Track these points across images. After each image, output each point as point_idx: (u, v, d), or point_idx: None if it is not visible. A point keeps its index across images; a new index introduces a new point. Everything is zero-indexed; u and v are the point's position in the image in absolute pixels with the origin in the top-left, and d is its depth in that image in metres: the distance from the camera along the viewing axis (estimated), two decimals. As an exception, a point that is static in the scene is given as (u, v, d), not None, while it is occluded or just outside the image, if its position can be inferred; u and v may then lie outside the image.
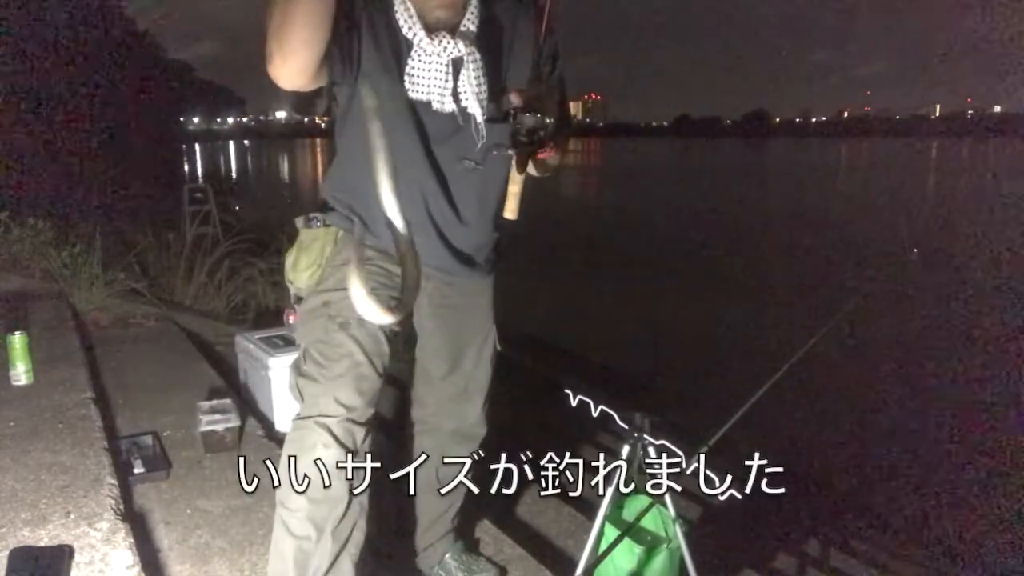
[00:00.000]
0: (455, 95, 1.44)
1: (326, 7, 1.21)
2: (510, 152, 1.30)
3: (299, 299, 1.57)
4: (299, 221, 1.59)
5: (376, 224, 1.49)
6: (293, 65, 1.26)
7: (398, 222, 1.05)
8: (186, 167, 34.15)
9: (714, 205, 21.16)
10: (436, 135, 1.47)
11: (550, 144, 1.31)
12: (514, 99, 1.28)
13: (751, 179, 36.26)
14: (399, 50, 1.43)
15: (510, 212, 1.45)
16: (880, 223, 15.55)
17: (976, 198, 23.01)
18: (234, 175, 39.37)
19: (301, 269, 1.54)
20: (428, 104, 1.44)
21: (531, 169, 1.43)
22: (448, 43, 1.41)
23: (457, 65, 1.43)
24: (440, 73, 1.42)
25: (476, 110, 1.45)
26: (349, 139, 1.50)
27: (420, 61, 1.42)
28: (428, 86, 1.43)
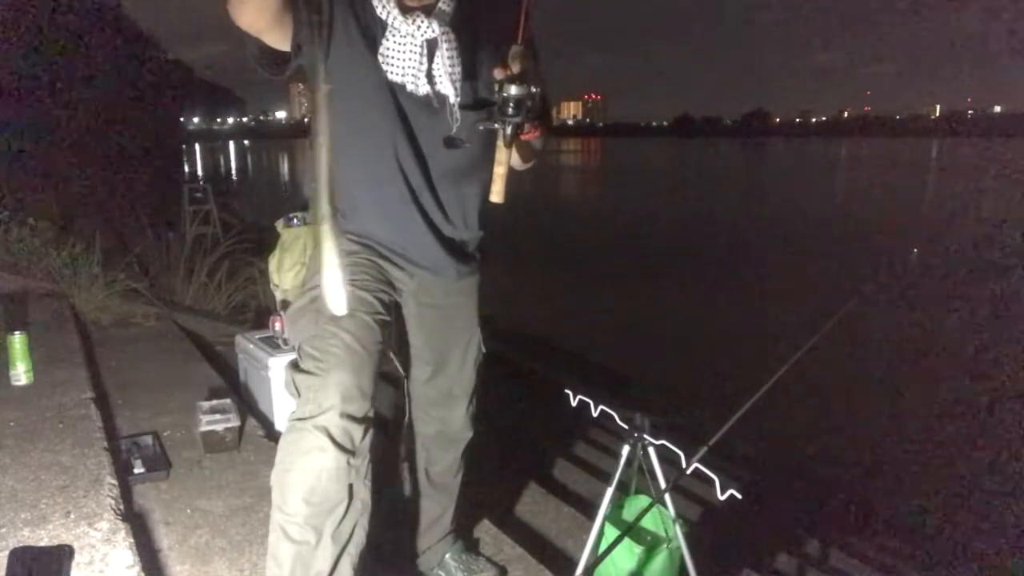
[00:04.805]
0: (429, 77, 1.41)
1: None
2: (496, 126, 1.24)
3: (285, 304, 1.54)
4: (279, 223, 1.57)
5: (360, 217, 1.47)
6: (252, 2, 1.20)
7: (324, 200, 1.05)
8: (186, 167, 34.15)
9: (715, 206, 21.15)
10: (413, 118, 1.43)
11: (535, 123, 1.26)
12: (498, 72, 1.22)
13: (752, 179, 36.24)
14: (373, 31, 1.39)
15: (496, 195, 1.34)
16: (880, 223, 15.56)
17: (976, 197, 22.98)
18: (234, 174, 39.42)
19: (286, 269, 1.52)
20: (403, 86, 1.41)
21: (514, 160, 1.39)
22: (423, 23, 1.38)
23: (432, 46, 1.40)
24: (414, 54, 1.39)
25: (450, 92, 1.42)
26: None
27: (394, 42, 1.39)
28: (403, 68, 1.40)
